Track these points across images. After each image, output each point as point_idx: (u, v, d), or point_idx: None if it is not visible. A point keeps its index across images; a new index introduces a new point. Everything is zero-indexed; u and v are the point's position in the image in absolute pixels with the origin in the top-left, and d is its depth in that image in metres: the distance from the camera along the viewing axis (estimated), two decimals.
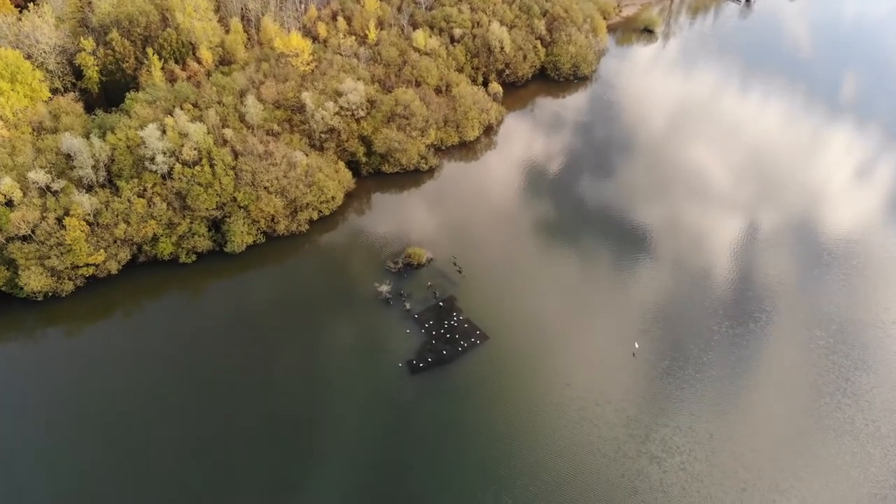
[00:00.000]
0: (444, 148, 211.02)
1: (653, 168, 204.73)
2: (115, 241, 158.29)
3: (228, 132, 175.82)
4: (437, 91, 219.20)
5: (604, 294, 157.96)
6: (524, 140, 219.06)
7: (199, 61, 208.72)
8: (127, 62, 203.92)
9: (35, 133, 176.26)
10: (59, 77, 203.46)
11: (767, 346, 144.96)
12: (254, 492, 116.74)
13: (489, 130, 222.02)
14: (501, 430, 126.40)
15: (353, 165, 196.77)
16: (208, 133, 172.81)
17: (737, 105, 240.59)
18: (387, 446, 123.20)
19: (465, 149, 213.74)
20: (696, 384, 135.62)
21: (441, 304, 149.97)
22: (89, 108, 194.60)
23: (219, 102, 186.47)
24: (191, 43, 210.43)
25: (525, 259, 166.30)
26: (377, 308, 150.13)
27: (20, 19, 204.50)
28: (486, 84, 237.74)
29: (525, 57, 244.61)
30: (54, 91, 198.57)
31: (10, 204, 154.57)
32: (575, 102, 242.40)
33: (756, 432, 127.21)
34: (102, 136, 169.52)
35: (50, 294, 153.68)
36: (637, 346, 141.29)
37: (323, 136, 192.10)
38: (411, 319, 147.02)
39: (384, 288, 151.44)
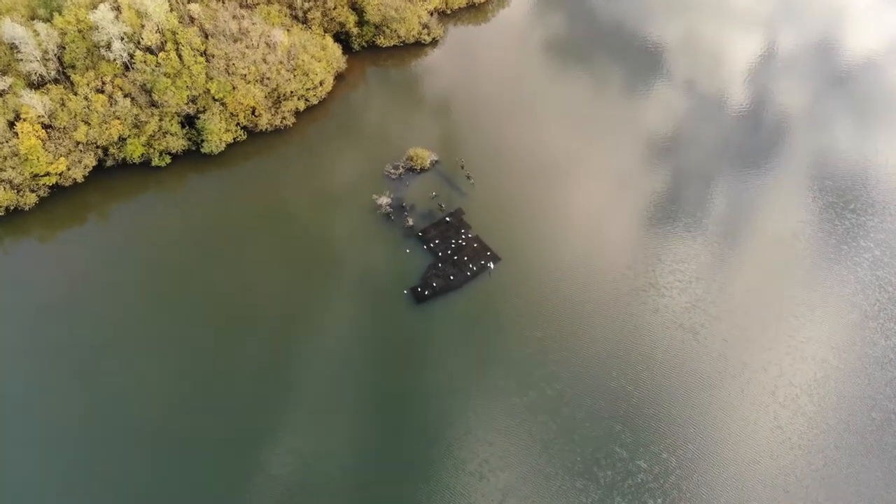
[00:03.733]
0: (449, 12, 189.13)
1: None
2: (76, 146, 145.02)
3: (195, 7, 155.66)
4: None
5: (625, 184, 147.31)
6: None
7: None
8: None
9: None
10: None
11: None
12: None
13: None
14: (516, 364, 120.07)
15: (342, 39, 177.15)
16: (171, 10, 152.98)
17: None
18: (392, 384, 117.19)
19: (475, 11, 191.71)
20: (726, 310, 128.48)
21: (448, 218, 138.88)
22: None
23: None
24: None
25: (545, 156, 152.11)
26: (376, 224, 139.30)
27: None
28: None
29: None
30: None
31: None
32: None
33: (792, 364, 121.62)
34: (49, 19, 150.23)
35: (12, 208, 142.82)
36: (492, 266, 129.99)
37: (306, 4, 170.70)
38: (414, 238, 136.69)
39: (384, 200, 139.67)
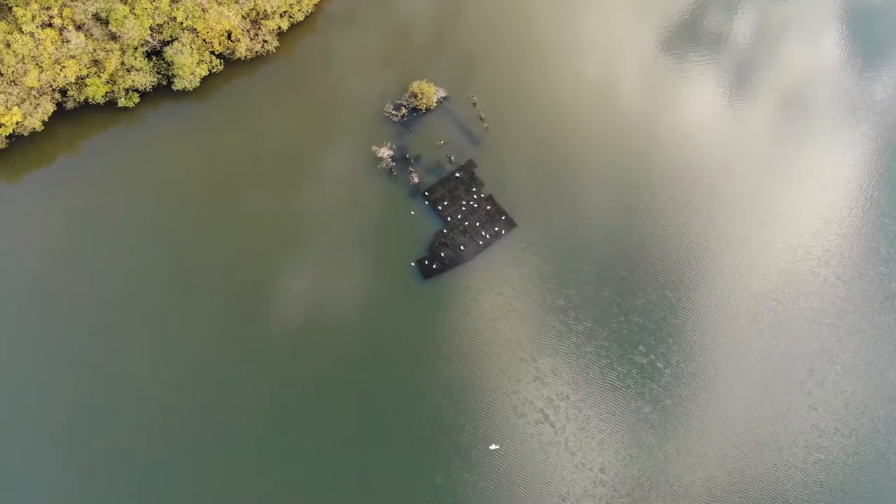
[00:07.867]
0: None
1: None
2: (29, 93, 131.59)
3: None
4: None
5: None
6: None
7: None
8: None
9: None
10: None
11: None
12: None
13: None
14: (537, 341, 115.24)
15: None
16: None
17: None
18: (400, 375, 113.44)
19: None
20: None
21: (458, 174, 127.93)
22: None
23: None
24: None
25: (573, 89, 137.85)
26: (376, 181, 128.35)
27: None
28: None
29: None
30: None
31: None
32: None
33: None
34: None
35: None
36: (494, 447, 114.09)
37: None
38: (420, 197, 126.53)
39: (385, 152, 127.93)
